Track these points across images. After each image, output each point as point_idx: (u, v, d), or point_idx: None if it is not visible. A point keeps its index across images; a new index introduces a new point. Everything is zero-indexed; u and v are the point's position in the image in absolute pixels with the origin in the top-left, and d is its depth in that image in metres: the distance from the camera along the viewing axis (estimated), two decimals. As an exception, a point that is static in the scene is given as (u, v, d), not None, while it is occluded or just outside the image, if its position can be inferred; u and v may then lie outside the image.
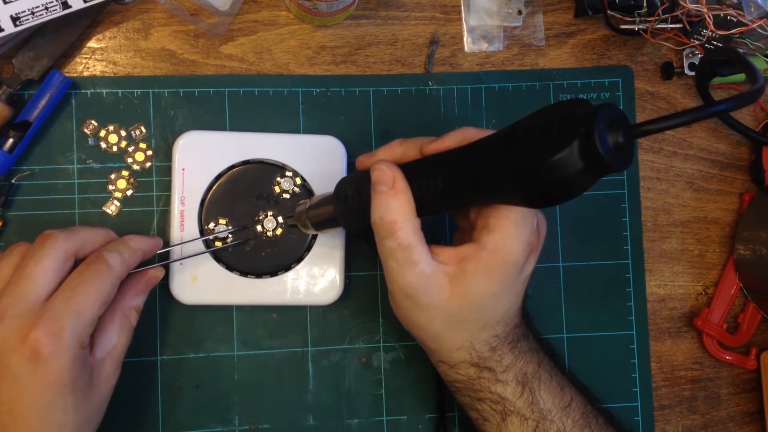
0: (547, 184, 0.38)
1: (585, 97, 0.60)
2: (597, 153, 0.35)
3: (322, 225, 0.51)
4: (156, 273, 0.51)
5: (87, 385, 0.45)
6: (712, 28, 0.57)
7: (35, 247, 0.45)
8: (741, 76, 0.60)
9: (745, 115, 0.62)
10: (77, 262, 0.47)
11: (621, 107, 0.60)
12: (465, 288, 0.45)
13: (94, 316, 0.44)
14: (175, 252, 0.53)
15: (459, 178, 0.42)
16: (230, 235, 0.54)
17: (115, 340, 0.47)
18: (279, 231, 0.54)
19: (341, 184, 0.49)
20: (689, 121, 0.37)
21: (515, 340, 0.48)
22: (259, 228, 0.54)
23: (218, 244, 0.54)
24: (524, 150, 0.38)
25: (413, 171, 0.45)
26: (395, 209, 0.44)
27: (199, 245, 0.53)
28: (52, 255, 0.45)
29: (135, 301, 0.49)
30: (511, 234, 0.44)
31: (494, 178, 0.40)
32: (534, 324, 0.51)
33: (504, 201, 0.43)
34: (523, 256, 0.45)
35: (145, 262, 0.50)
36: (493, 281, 0.45)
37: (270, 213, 0.54)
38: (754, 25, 0.56)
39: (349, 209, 0.47)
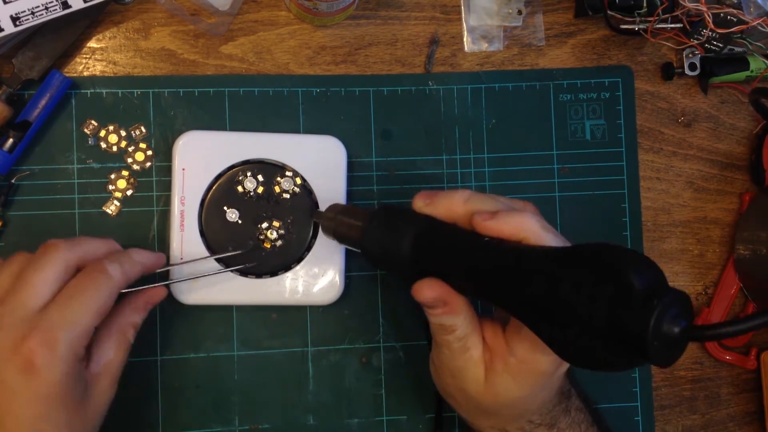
0: (591, 365, 0.37)
1: (585, 97, 0.60)
2: (647, 359, 0.33)
3: (343, 241, 0.50)
4: (158, 292, 0.50)
5: (81, 400, 0.44)
6: (712, 27, 0.57)
7: (37, 256, 0.44)
8: (740, 75, 0.60)
9: (745, 115, 0.62)
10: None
11: (621, 107, 0.60)
12: (495, 388, 0.44)
13: (89, 326, 0.43)
14: (183, 268, 0.53)
15: (509, 295, 0.40)
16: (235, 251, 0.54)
17: (112, 355, 0.46)
18: (279, 242, 0.55)
19: (374, 224, 0.46)
20: (761, 326, 0.33)
21: (553, 422, 0.47)
22: (261, 237, 0.54)
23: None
24: (580, 336, 0.35)
25: (468, 254, 0.42)
26: (451, 319, 0.44)
27: (209, 261, 0.54)
28: (52, 264, 0.44)
29: (133, 317, 0.48)
30: (542, 347, 0.41)
31: (536, 327, 0.38)
32: (580, 388, 0.49)
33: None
34: (553, 367, 0.43)
35: (150, 279, 0.49)
36: (523, 387, 0.44)
37: (272, 220, 0.54)
38: (754, 23, 0.56)
39: (378, 254, 0.46)
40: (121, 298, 0.47)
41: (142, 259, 0.48)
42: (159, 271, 0.51)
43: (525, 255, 0.40)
